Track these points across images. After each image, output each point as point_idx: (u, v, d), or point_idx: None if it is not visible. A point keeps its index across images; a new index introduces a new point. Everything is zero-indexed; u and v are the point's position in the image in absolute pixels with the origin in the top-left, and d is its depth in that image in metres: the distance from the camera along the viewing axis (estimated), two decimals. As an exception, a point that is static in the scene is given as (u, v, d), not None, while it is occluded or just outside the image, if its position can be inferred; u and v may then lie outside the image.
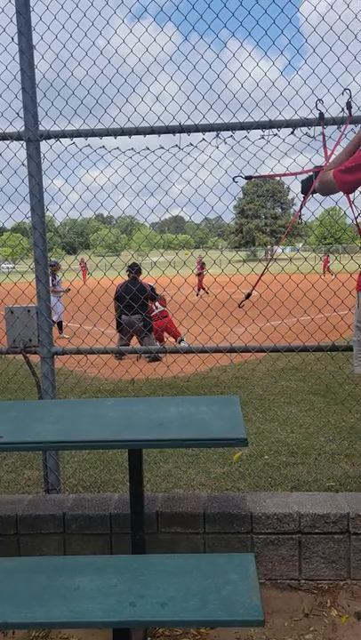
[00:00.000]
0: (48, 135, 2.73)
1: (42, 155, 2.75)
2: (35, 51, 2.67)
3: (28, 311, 2.85)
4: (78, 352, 2.91)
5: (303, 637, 2.05)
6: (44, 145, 2.76)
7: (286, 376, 6.15)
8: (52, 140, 2.75)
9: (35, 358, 2.91)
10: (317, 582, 2.37)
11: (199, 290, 18.17)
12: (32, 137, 2.71)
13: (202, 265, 18.43)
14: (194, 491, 3.31)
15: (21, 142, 2.73)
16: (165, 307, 9.30)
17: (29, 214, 2.80)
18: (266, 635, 2.07)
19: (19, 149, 2.76)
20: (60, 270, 10.63)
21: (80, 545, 2.45)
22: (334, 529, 2.34)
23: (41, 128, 2.74)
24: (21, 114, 2.70)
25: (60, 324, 10.91)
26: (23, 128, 2.71)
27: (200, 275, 18.52)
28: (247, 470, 3.62)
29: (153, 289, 8.45)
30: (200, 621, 1.51)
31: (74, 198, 2.85)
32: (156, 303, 9.23)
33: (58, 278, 10.63)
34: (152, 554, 2.17)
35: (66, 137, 2.73)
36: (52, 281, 10.48)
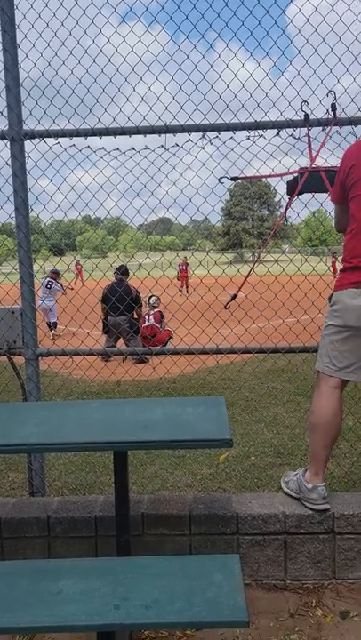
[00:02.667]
0: (32, 134, 2.71)
1: (26, 154, 2.73)
2: (18, 49, 2.65)
3: (12, 312, 2.82)
4: (63, 354, 2.88)
5: (289, 637, 2.05)
6: (28, 144, 2.73)
7: (272, 377, 6.17)
8: (37, 140, 2.73)
9: (19, 360, 2.88)
10: (303, 582, 2.37)
11: (186, 287, 18.61)
12: (16, 136, 2.68)
13: (183, 264, 19.05)
14: (180, 492, 3.30)
15: (5, 141, 2.71)
16: (158, 323, 9.02)
17: (13, 214, 2.77)
18: (252, 635, 2.06)
19: (2, 149, 2.73)
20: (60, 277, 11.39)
21: (65, 548, 2.43)
22: (320, 529, 2.34)
23: (25, 127, 2.72)
24: (5, 113, 2.68)
25: (55, 324, 11.49)
26: (7, 127, 2.69)
27: (183, 272, 19.14)
28: (233, 471, 3.62)
29: (138, 295, 8.29)
30: (185, 623, 1.50)
31: (59, 199, 2.83)
32: (151, 315, 9.08)
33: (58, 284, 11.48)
34: (137, 556, 2.16)
35: (50, 136, 2.71)
36: (53, 285, 11.38)
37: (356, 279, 2.20)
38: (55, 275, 11.48)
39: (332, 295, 2.34)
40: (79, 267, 16.31)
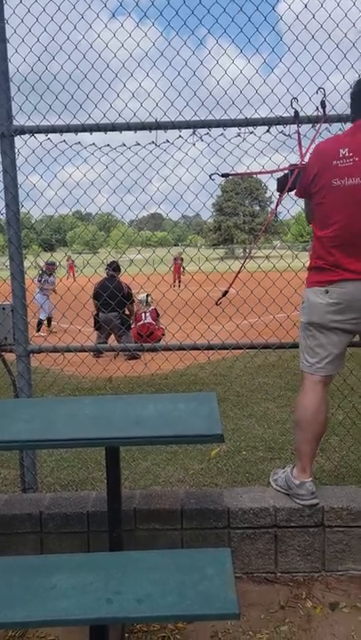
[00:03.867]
0: (22, 130, 2.69)
1: (16, 150, 2.72)
2: (8, 43, 2.63)
3: (3, 309, 2.82)
4: (55, 350, 2.89)
5: (279, 629, 2.08)
6: (18, 140, 2.72)
7: (263, 373, 6.20)
8: (27, 136, 2.72)
9: (10, 357, 2.88)
10: (293, 575, 2.40)
11: (179, 281, 18.68)
12: (6, 132, 2.67)
13: (178, 259, 19.09)
14: (172, 487, 3.32)
15: (-5, 137, 2.69)
16: (154, 321, 8.97)
17: (4, 211, 2.76)
18: (242, 627, 2.09)
19: (-7, 145, 2.72)
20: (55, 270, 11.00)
21: (57, 544, 2.44)
22: (310, 522, 2.37)
23: (15, 123, 2.70)
24: (-5, 108, 2.66)
25: (49, 320, 11.21)
26: (-3, 123, 2.67)
27: (176, 266, 19.21)
28: (225, 466, 3.65)
29: (129, 292, 8.25)
30: (177, 616, 1.52)
31: (49, 195, 2.83)
32: (147, 313, 9.02)
33: (52, 277, 10.95)
34: (129, 551, 2.17)
35: (41, 132, 2.70)
36: (47, 279, 10.80)
37: (321, 279, 2.28)
38: (51, 266, 10.93)
39: None
40: (70, 262, 16.06)
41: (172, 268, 18.92)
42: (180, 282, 18.80)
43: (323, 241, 2.26)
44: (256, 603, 2.24)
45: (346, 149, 2.18)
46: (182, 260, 19.13)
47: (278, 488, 2.50)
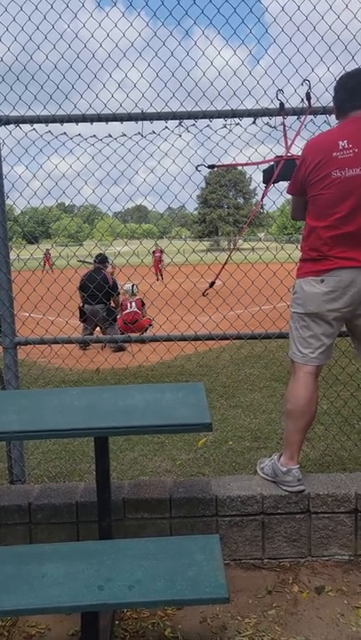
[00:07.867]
0: (7, 120, 2.67)
1: (1, 140, 2.70)
2: (-8, 33, 2.60)
3: (-10, 301, 2.80)
4: (42, 342, 2.88)
5: (267, 613, 2.12)
6: (3, 130, 2.70)
7: (249, 363, 6.25)
8: (12, 126, 2.69)
9: (-3, 349, 2.87)
10: (280, 561, 2.45)
11: (160, 274, 18.67)
12: (-9, 122, 2.65)
13: (160, 251, 18.96)
14: (160, 477, 3.34)
15: (-21, 127, 2.66)
16: (140, 310, 8.97)
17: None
18: (231, 612, 2.13)
19: (-23, 135, 2.69)
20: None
21: (46, 534, 2.45)
22: (296, 509, 2.42)
23: (0, 113, 2.68)
24: (-21, 98, 2.63)
25: None
26: (-19, 113, 2.65)
27: (157, 260, 19.10)
28: (212, 456, 3.69)
29: (115, 283, 8.22)
30: (167, 601, 1.55)
31: (35, 186, 2.81)
32: (133, 302, 9.02)
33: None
34: (120, 539, 2.19)
35: (26, 123, 2.68)
36: None
37: (316, 268, 2.29)
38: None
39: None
40: (48, 255, 15.85)
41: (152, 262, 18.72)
42: (161, 276, 18.70)
43: (319, 231, 2.26)
44: (244, 588, 2.28)
45: (345, 141, 2.18)
46: (162, 252, 18.96)
47: (265, 476, 2.54)
